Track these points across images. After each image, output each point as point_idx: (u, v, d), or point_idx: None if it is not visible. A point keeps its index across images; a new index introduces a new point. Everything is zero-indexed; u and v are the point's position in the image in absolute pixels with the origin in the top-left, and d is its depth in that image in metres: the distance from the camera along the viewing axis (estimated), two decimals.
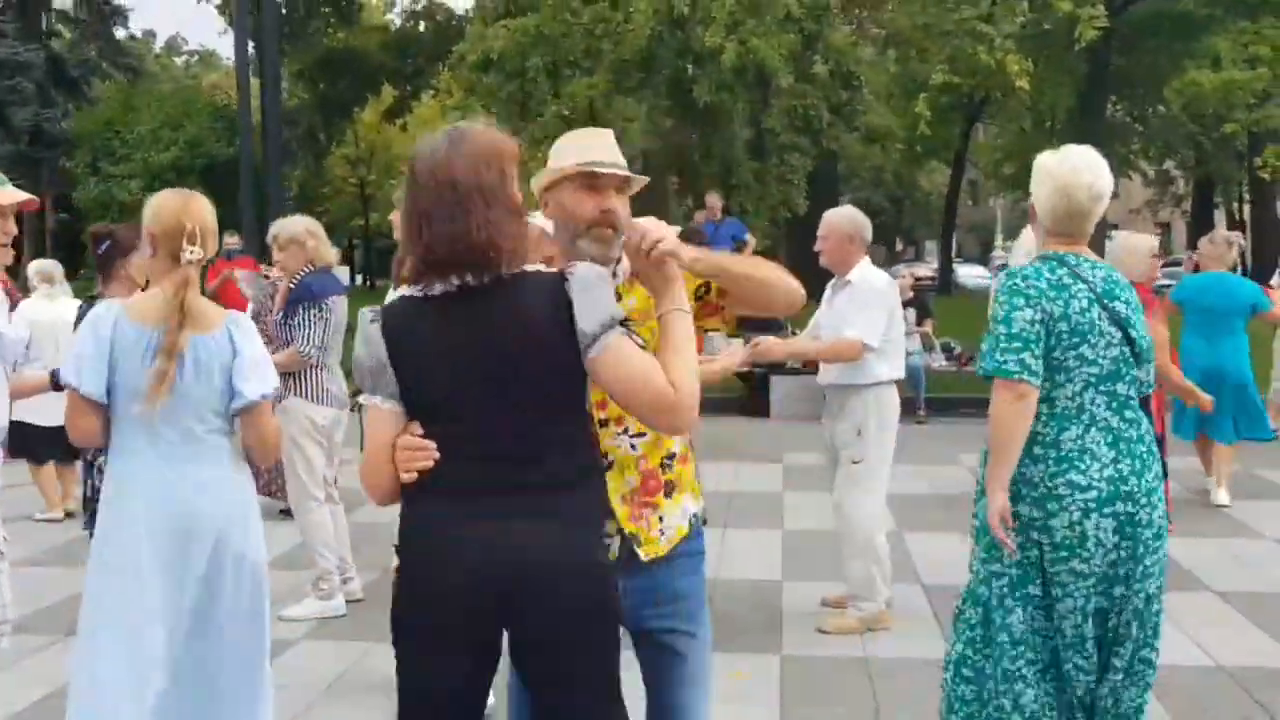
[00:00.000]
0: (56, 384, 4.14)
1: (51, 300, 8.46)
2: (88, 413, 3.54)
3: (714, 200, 14.06)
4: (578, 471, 2.54)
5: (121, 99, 27.10)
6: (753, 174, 16.58)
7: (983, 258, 56.89)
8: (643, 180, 2.81)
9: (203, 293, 3.69)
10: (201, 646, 3.56)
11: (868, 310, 5.58)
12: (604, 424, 2.75)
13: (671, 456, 2.83)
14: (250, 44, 18.56)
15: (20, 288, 11.51)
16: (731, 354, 5.47)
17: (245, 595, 3.61)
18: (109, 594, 3.55)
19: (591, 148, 2.77)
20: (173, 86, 33.85)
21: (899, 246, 61.15)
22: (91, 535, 5.53)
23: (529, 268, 2.56)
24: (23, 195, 3.77)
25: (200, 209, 3.63)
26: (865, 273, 5.70)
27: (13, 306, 9.36)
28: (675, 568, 2.84)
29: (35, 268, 8.87)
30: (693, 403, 2.48)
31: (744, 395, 13.34)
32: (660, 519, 2.81)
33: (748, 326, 14.62)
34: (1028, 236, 6.41)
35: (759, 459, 10.25)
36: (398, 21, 26.22)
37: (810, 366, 9.08)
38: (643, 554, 2.79)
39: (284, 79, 24.44)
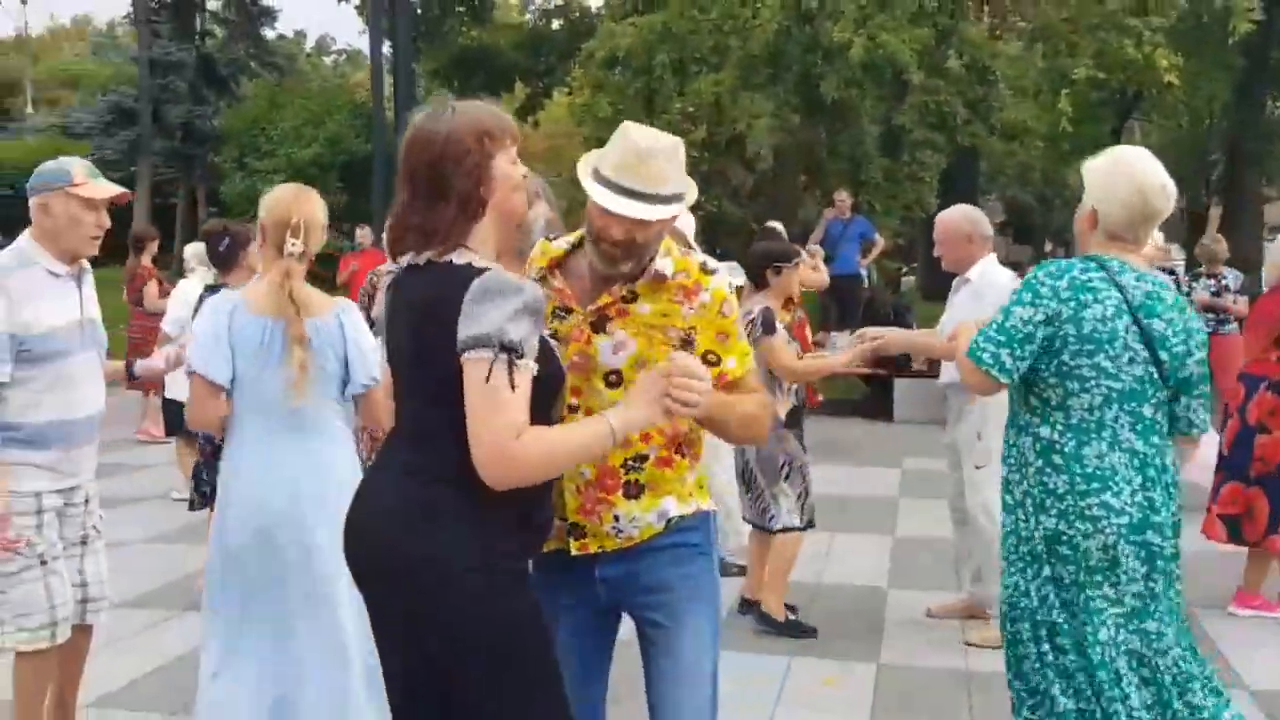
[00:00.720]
0: (131, 375, 4.31)
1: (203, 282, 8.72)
2: (212, 398, 3.68)
3: (842, 198, 13.84)
4: (456, 467, 2.37)
5: (268, 97, 27.87)
6: (883, 172, 16.28)
7: None
8: (675, 211, 2.66)
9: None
10: (315, 619, 3.66)
11: (988, 308, 5.38)
12: (573, 410, 2.71)
13: (642, 459, 2.74)
14: (386, 43, 18.94)
15: (174, 276, 11.92)
16: (847, 351, 5.36)
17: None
18: (230, 574, 3.70)
19: (633, 170, 2.61)
20: (320, 85, 34.67)
21: (1048, 247, 59.54)
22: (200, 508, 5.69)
23: (465, 260, 2.45)
24: (115, 189, 3.93)
25: (308, 204, 3.75)
26: (986, 268, 5.53)
27: (163, 294, 9.73)
28: (658, 557, 2.77)
29: (192, 250, 9.14)
30: (523, 473, 2.36)
31: (866, 397, 13.12)
32: (615, 517, 2.74)
33: (869, 326, 14.43)
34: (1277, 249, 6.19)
35: (876, 463, 10.07)
36: (532, 20, 26.43)
37: (933, 367, 8.87)
38: (574, 546, 2.75)
39: (420, 77, 24.89)
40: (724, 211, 15.94)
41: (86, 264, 4.03)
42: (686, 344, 2.71)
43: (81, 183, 3.85)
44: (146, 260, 10.57)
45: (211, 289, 5.62)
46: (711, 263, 2.83)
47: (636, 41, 15.47)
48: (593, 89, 17.09)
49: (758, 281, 5.72)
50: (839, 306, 13.97)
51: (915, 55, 14.10)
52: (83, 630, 4.09)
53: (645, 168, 2.61)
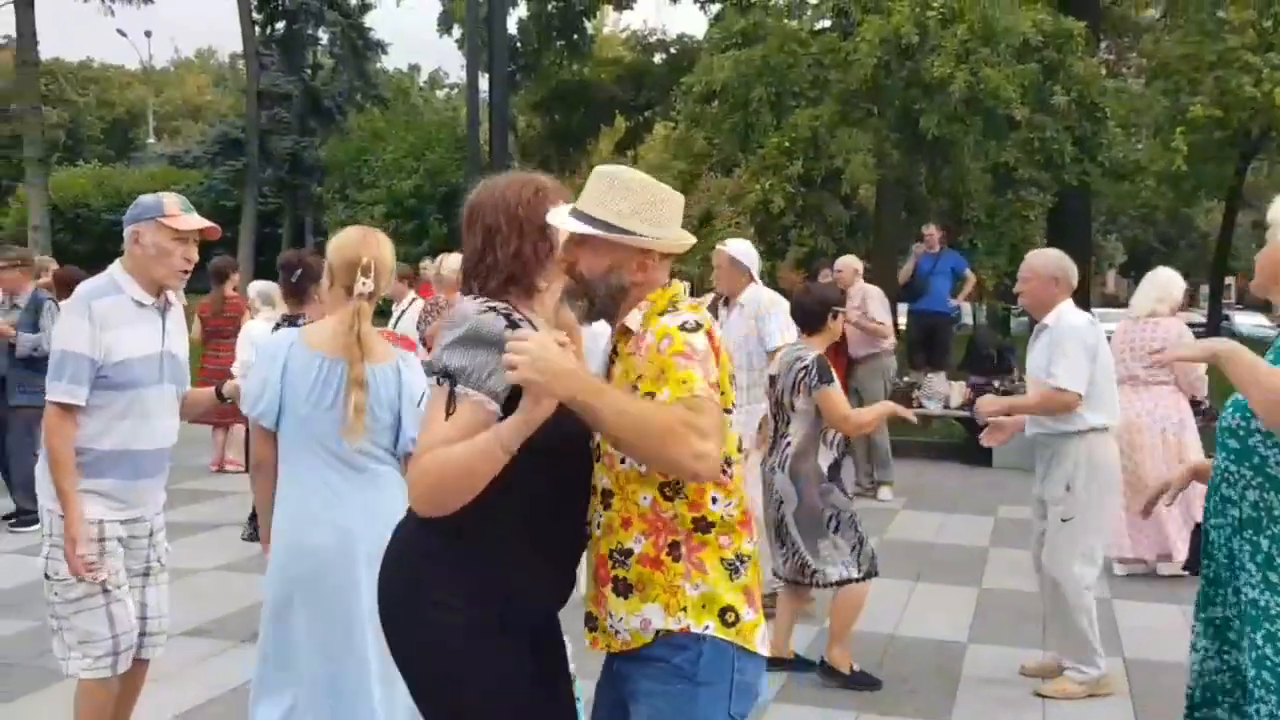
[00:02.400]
0: (221, 395, 4.24)
1: (270, 323, 8.69)
2: (266, 438, 3.65)
3: (932, 232, 13.49)
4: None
5: (371, 129, 28.38)
6: (985, 209, 15.87)
7: (1269, 305, 53.27)
8: (584, 229, 2.50)
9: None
10: (358, 664, 3.58)
11: (1067, 354, 5.15)
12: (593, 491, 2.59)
13: (626, 553, 2.48)
14: (485, 77, 19.06)
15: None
16: (884, 405, 5.48)
17: None
18: (277, 612, 3.64)
19: (585, 192, 2.58)
20: (432, 118, 35.22)
21: None
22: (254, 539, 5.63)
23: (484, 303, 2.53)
24: (204, 222, 3.98)
25: (377, 244, 3.73)
26: (1062, 313, 5.32)
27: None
28: (644, 669, 2.50)
29: (256, 290, 9.12)
30: (420, 488, 2.41)
31: (965, 441, 12.69)
32: (609, 614, 2.51)
33: (970, 368, 14.01)
34: None
35: (969, 509, 9.69)
36: (630, 55, 26.49)
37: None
38: (587, 637, 2.58)
39: (519, 111, 25.06)
40: (820, 248, 15.64)
41: (174, 298, 4.05)
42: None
43: (173, 215, 3.90)
44: (229, 290, 10.64)
45: (290, 320, 5.54)
46: (679, 308, 2.53)
47: (734, 75, 15.31)
48: (689, 123, 16.97)
49: (814, 327, 5.52)
50: (928, 345, 13.57)
51: (1020, 91, 13.72)
52: (140, 662, 4.10)
53: (588, 185, 2.56)
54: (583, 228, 2.50)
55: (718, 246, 7.05)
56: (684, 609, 2.44)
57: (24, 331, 8.09)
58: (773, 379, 5.59)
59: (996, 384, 12.76)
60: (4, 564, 6.71)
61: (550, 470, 2.45)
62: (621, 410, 2.32)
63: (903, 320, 15.57)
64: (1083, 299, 14.52)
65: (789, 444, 5.37)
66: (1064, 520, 5.17)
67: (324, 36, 34.26)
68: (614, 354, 2.59)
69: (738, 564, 2.47)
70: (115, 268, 3.95)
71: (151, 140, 57.83)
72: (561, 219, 2.53)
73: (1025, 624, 6.20)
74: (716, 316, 7.86)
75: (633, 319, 2.54)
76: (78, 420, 3.81)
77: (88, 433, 3.83)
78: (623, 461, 2.45)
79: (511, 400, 2.39)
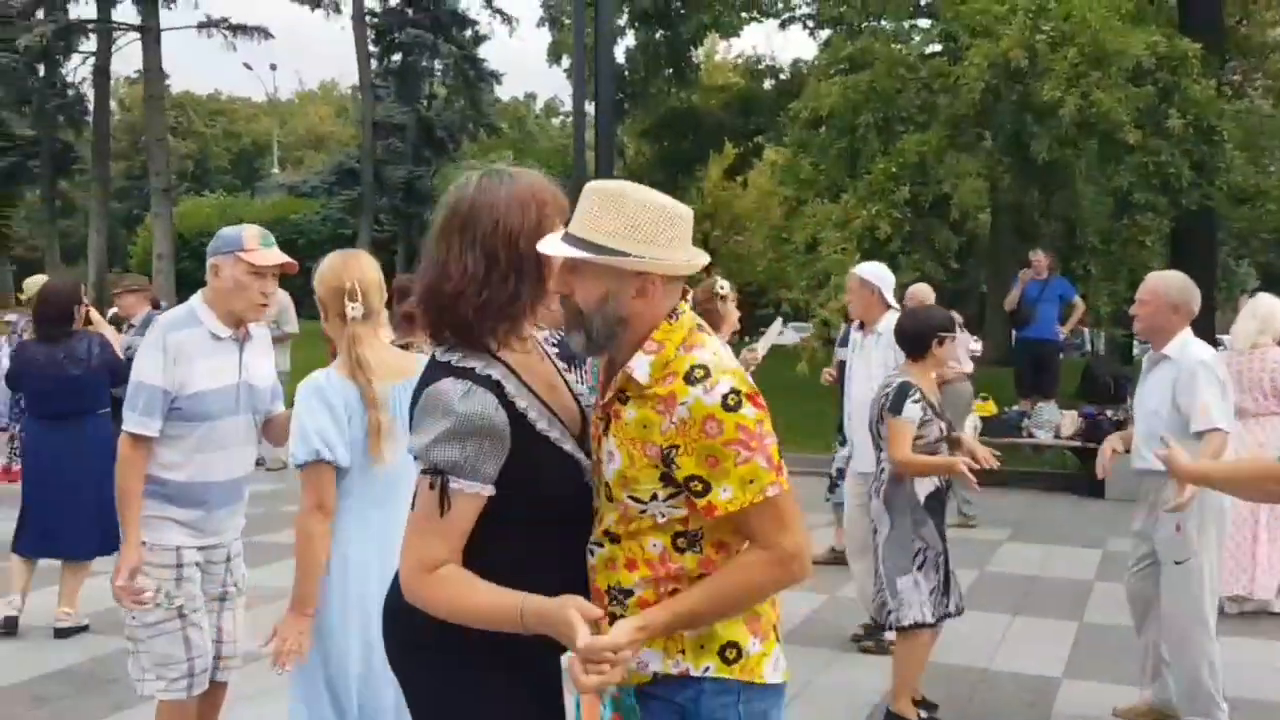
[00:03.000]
0: None
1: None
2: (332, 482, 3.50)
3: (1039, 258, 13.23)
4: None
5: (483, 157, 28.85)
6: (1100, 234, 15.49)
7: None
8: (575, 254, 2.26)
9: None
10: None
11: (1207, 391, 4.87)
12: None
13: (625, 593, 2.34)
14: (592, 105, 19.23)
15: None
16: (947, 461, 5.07)
17: None
18: (331, 629, 3.56)
19: (576, 212, 2.32)
20: (548, 144, 35.65)
21: None
22: None
23: (450, 358, 2.37)
24: (283, 257, 3.97)
25: (359, 266, 3.68)
26: (1186, 345, 5.02)
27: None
28: (648, 705, 2.38)
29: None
30: (427, 608, 2.29)
31: (1077, 472, 12.37)
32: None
33: (1085, 396, 13.64)
34: None
35: (1076, 542, 9.43)
36: (740, 81, 26.52)
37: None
38: None
39: (628, 138, 25.19)
40: (928, 274, 15.43)
41: (254, 330, 4.07)
42: (667, 464, 2.24)
43: (252, 249, 3.90)
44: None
45: (403, 348, 5.54)
46: (703, 365, 2.25)
47: (841, 100, 15.22)
48: (796, 148, 16.89)
49: (918, 353, 5.28)
50: (1036, 372, 13.27)
51: (1134, 114, 13.39)
52: (218, 685, 4.15)
53: (579, 204, 2.31)
54: (570, 251, 2.25)
55: (851, 270, 6.93)
56: (682, 651, 2.34)
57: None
58: (873, 404, 5.39)
59: (1110, 413, 12.42)
60: (105, 585, 6.91)
61: (549, 529, 2.36)
62: (700, 614, 2.27)
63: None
64: (1207, 325, 14.11)
65: (883, 470, 5.20)
66: (1177, 563, 4.95)
67: (439, 68, 34.93)
68: (617, 396, 2.33)
69: None
70: (196, 299, 3.99)
71: (275, 170, 59.53)
72: (551, 245, 2.28)
73: (1125, 660, 5.99)
74: (846, 342, 7.71)
75: (639, 368, 2.28)
76: (152, 450, 3.86)
77: (163, 462, 3.89)
78: (642, 512, 2.31)
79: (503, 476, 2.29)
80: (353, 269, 3.65)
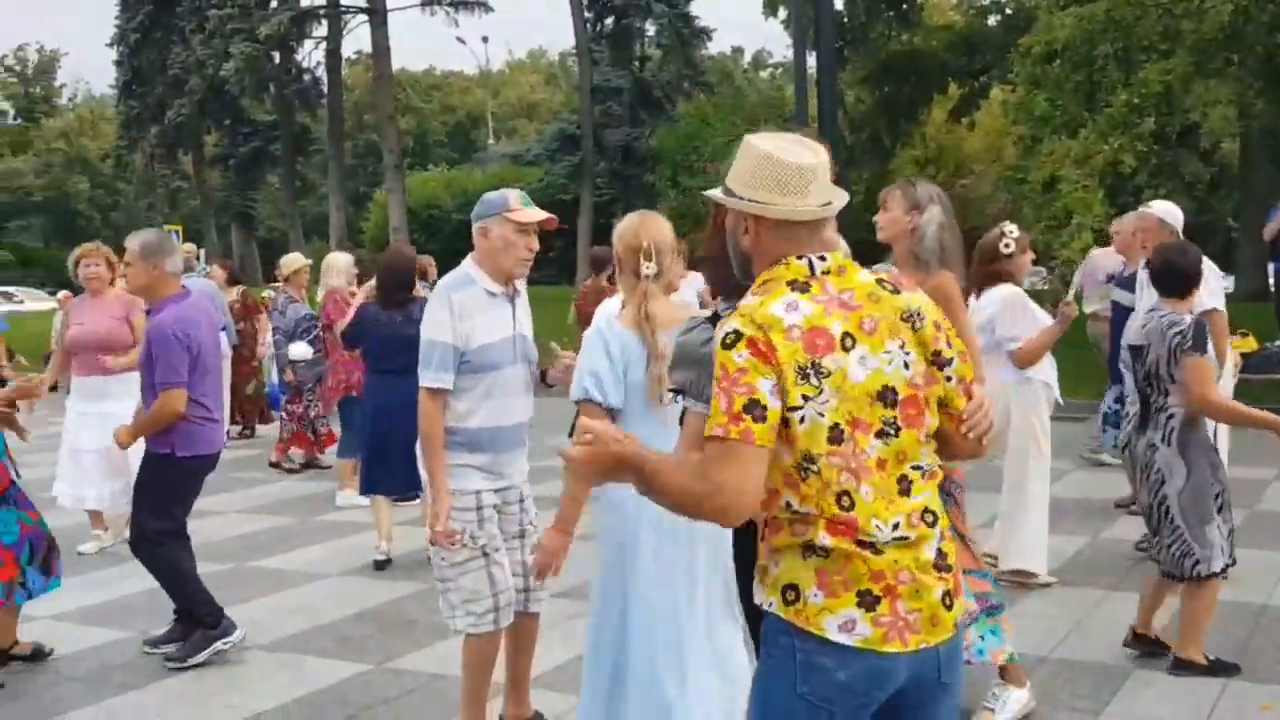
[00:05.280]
0: (545, 383, 4.54)
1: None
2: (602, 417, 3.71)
3: None
4: None
5: (698, 115, 28.90)
6: None
7: None
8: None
9: None
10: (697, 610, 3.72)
11: None
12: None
13: (765, 524, 2.47)
14: (812, 53, 19.04)
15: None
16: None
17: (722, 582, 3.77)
18: (612, 571, 3.84)
19: (826, 188, 2.45)
20: (757, 99, 35.44)
21: None
22: None
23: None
24: (543, 215, 4.29)
25: (655, 227, 3.87)
26: None
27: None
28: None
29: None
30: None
31: None
32: None
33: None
34: None
35: None
36: (963, 19, 25.76)
37: None
38: None
39: (847, 86, 24.81)
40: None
41: (519, 286, 4.39)
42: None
43: (515, 209, 4.23)
44: (604, 281, 11.07)
45: None
46: (740, 308, 2.39)
47: (1076, 32, 14.66)
48: (1028, 85, 16.37)
49: (1186, 291, 5.00)
50: None
51: None
52: (528, 616, 4.46)
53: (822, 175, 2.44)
54: (716, 194, 2.50)
55: (1142, 209, 6.74)
56: (765, 587, 2.46)
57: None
58: (1135, 349, 5.03)
59: None
60: (396, 534, 7.36)
61: None
62: (651, 475, 2.35)
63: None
64: None
65: (1171, 416, 4.88)
66: None
67: (651, 28, 35.13)
68: None
69: (810, 550, 2.37)
70: (468, 262, 4.32)
71: (491, 141, 61.03)
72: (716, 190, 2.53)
73: None
74: (1126, 283, 7.49)
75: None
76: (447, 403, 4.19)
77: (458, 412, 4.21)
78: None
79: None
80: (651, 229, 3.85)
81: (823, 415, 2.31)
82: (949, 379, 2.45)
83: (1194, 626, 4.95)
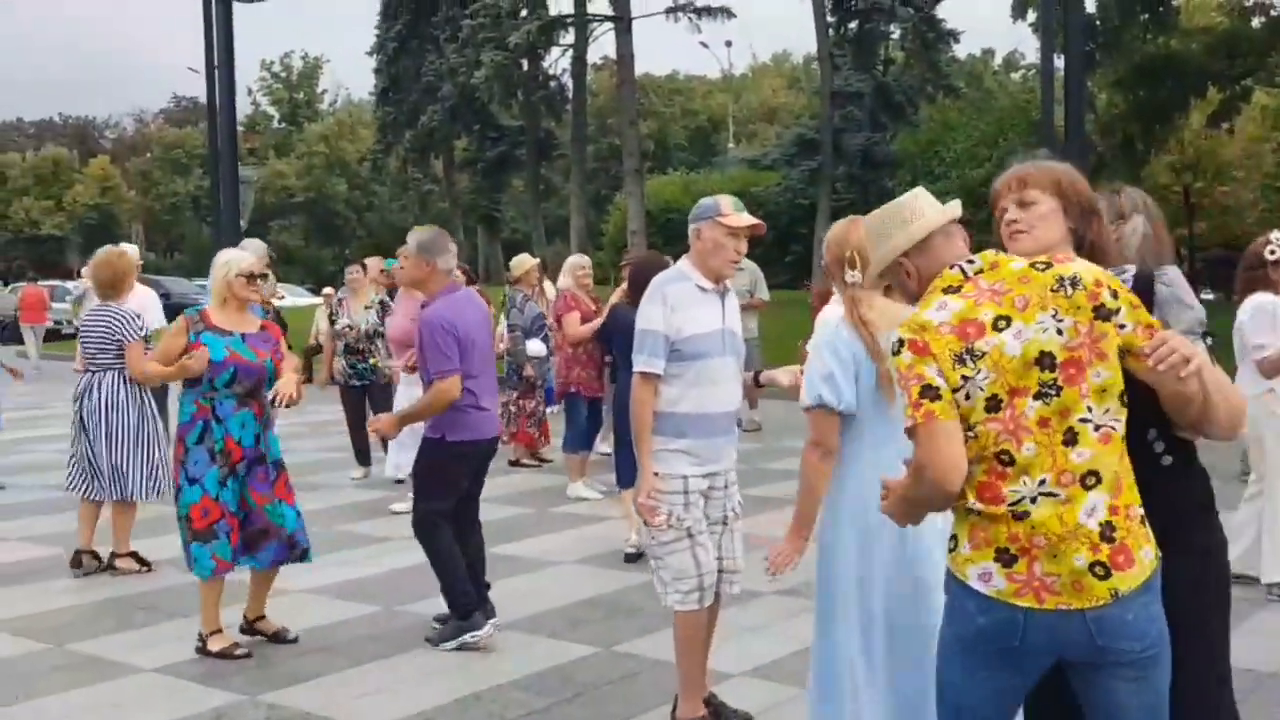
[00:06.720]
0: (758, 383, 4.76)
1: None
2: (835, 425, 3.80)
3: None
4: None
5: (942, 119, 28.40)
6: None
7: None
8: None
9: None
10: (908, 617, 3.73)
11: None
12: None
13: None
14: (1060, 56, 18.45)
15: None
16: None
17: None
18: (841, 567, 3.86)
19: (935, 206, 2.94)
20: (1009, 102, 34.55)
21: None
22: None
23: None
24: (752, 220, 4.59)
25: (856, 234, 3.84)
26: None
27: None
28: None
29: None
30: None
31: None
32: None
33: None
34: None
35: None
36: (1224, 20, 24.44)
37: None
38: None
39: (1098, 89, 23.95)
40: None
41: (729, 284, 4.69)
42: None
43: (727, 213, 4.54)
44: (831, 284, 11.17)
45: None
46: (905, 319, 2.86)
47: None
48: None
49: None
50: None
51: None
52: (714, 599, 4.69)
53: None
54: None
55: None
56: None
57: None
58: None
59: None
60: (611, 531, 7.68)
61: None
62: (896, 501, 2.86)
63: None
64: None
65: None
66: None
67: (895, 32, 34.67)
68: None
69: (967, 510, 2.69)
70: (683, 261, 4.66)
71: (731, 145, 61.36)
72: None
73: None
74: None
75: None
76: (658, 389, 4.50)
77: (668, 398, 4.51)
78: None
79: None
80: (852, 239, 3.87)
81: (981, 389, 2.62)
82: (1121, 326, 2.61)
83: None
